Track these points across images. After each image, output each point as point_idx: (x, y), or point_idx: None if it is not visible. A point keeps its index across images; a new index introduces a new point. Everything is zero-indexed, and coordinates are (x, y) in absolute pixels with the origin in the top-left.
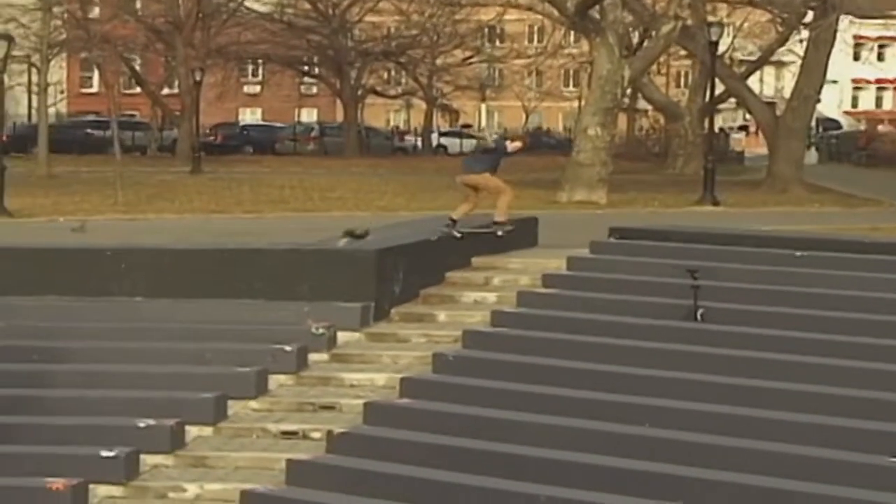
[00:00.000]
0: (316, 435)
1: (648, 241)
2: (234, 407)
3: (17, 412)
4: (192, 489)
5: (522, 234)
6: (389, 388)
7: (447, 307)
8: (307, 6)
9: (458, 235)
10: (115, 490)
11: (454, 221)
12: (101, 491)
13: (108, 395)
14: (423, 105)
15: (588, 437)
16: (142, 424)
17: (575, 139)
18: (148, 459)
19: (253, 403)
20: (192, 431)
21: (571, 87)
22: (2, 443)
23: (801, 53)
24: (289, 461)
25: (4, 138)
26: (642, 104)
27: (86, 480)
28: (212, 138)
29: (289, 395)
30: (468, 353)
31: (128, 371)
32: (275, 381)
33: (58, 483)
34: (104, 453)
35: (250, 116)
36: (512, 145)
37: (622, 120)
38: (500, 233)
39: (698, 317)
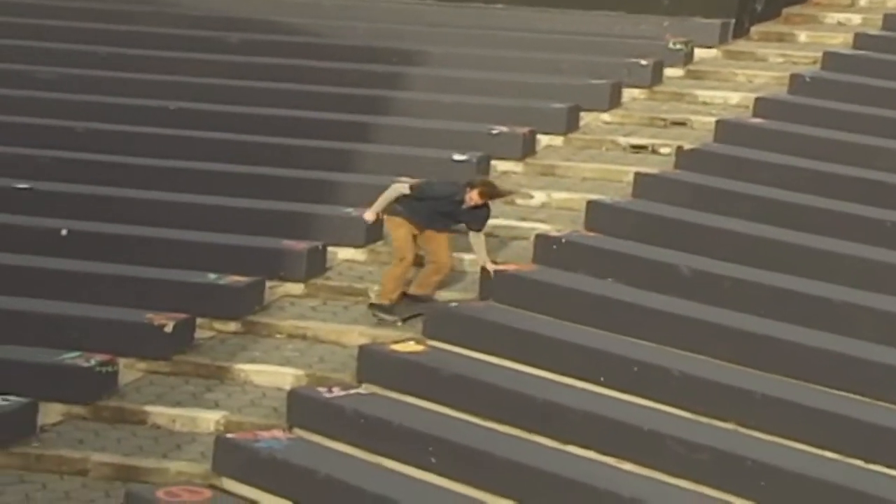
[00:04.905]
0: (665, 150)
1: None
2: (585, 118)
3: (376, 112)
4: (539, 196)
5: None
6: (743, 107)
7: (809, 27)
8: None
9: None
10: None
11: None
12: None
13: (462, 100)
14: None
15: None
16: (494, 131)
17: None
18: (498, 166)
19: (605, 116)
20: (542, 140)
21: None
22: (361, 141)
23: None
24: (636, 174)
25: None
26: None
27: None
28: None
29: (641, 109)
30: (827, 74)
31: (483, 78)
32: (628, 94)
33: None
34: (456, 157)
35: None
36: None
37: None
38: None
39: None
